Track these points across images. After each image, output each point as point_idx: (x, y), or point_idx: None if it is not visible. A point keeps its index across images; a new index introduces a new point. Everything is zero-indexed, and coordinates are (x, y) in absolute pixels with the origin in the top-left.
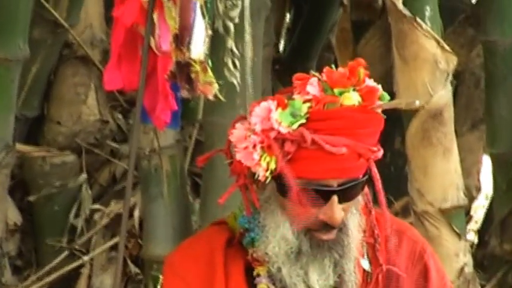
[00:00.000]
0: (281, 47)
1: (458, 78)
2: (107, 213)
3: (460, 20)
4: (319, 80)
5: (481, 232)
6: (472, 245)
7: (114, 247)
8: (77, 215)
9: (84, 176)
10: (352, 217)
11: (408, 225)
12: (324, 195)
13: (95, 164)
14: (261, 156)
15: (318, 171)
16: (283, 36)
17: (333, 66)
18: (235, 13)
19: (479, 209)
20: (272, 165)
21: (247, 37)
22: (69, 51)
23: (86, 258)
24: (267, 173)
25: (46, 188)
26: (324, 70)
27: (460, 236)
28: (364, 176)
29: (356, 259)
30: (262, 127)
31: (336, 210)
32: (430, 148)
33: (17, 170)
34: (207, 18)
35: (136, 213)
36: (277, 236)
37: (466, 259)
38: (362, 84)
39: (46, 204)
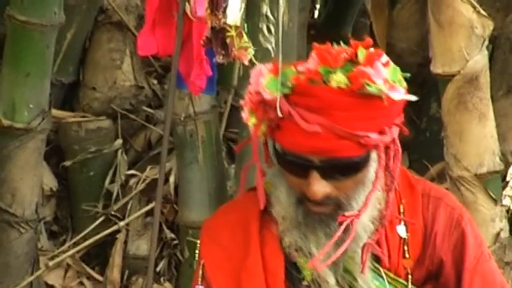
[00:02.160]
0: (316, 12)
1: (494, 43)
2: (142, 179)
3: None
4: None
5: None
6: (508, 210)
7: (150, 212)
8: (112, 181)
9: (119, 141)
10: (360, 197)
11: (446, 191)
12: (303, 169)
13: (130, 130)
14: (248, 115)
15: (297, 144)
16: (319, 1)
17: (370, 36)
18: None
19: None
20: (262, 127)
21: (282, 2)
22: (104, 17)
23: (121, 223)
24: (259, 133)
25: (81, 153)
26: (314, 46)
27: (496, 201)
28: (359, 157)
29: (383, 229)
30: (253, 89)
31: (316, 185)
32: (466, 113)
33: (52, 135)
34: None
35: (172, 179)
36: (281, 200)
37: (502, 224)
38: (356, 66)
39: (81, 170)
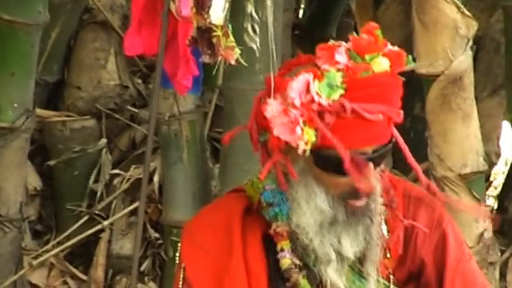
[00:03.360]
0: (301, 12)
1: (478, 44)
2: (126, 178)
3: None
4: (346, 48)
5: (500, 197)
6: (491, 211)
7: (134, 212)
8: (96, 180)
9: (104, 140)
10: (377, 182)
11: (426, 192)
12: (360, 163)
13: (114, 129)
14: (303, 130)
15: (356, 140)
16: (303, 1)
17: (353, 32)
18: None
19: (498, 175)
20: (312, 138)
21: (268, 2)
22: (89, 16)
23: (105, 223)
24: (307, 147)
25: (66, 152)
26: (350, 38)
27: (479, 201)
28: (390, 140)
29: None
30: (302, 100)
31: (371, 177)
32: (450, 113)
33: (37, 134)
34: None
35: (156, 178)
36: (312, 207)
37: (485, 225)
38: (386, 48)
39: (66, 169)
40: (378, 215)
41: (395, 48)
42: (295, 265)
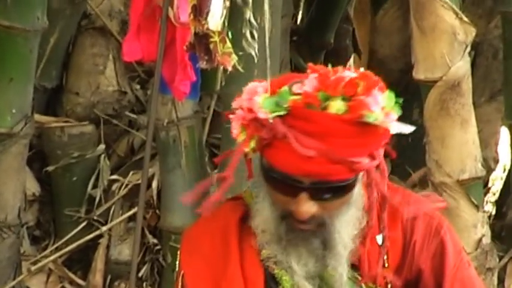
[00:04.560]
0: (299, 18)
1: (476, 49)
2: (125, 184)
3: None
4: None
5: (498, 203)
6: (489, 216)
7: (132, 217)
8: (95, 186)
9: (102, 146)
10: (343, 217)
11: (425, 200)
12: (292, 189)
13: (113, 135)
14: (239, 131)
15: (289, 165)
16: (302, 7)
17: (352, 42)
18: None
19: (497, 180)
20: (252, 144)
21: (266, 8)
22: (88, 22)
23: (104, 228)
24: (249, 149)
25: (64, 158)
26: (329, 71)
27: (477, 207)
28: (348, 180)
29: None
30: (247, 105)
31: (303, 205)
32: (448, 119)
33: (35, 140)
34: None
35: (155, 184)
36: (264, 215)
37: (483, 230)
38: (356, 96)
39: (64, 175)
40: (338, 248)
41: (366, 99)
42: (277, 261)
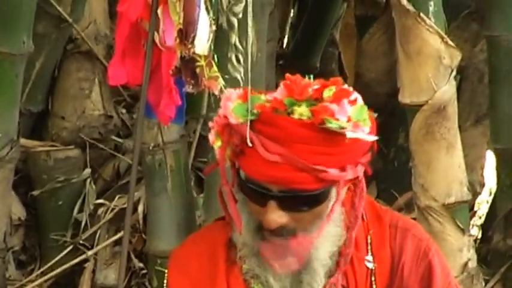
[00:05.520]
0: (285, 42)
1: (462, 73)
2: (111, 208)
3: (463, 15)
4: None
5: (484, 227)
6: (475, 240)
7: (118, 242)
8: (81, 210)
9: (88, 170)
10: (315, 229)
11: (413, 222)
12: (262, 197)
13: (99, 159)
14: (214, 138)
15: (257, 172)
16: (287, 31)
17: (339, 65)
18: (239, 8)
19: (483, 204)
20: (227, 151)
21: (251, 33)
22: (74, 46)
23: (90, 252)
24: (225, 157)
25: (50, 182)
26: (289, 77)
27: (463, 231)
28: (316, 191)
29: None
30: (221, 112)
31: (272, 214)
32: (434, 143)
33: (21, 164)
34: (211, 13)
35: (141, 208)
36: (243, 228)
37: (469, 254)
38: (322, 102)
39: (50, 199)
40: (314, 262)
41: (331, 105)
42: (255, 275)
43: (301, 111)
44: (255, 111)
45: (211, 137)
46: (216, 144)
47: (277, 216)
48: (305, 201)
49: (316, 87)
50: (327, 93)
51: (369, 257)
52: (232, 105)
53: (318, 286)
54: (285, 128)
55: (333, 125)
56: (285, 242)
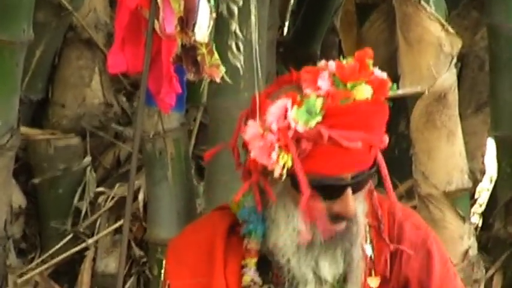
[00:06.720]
0: (285, 29)
1: (462, 61)
2: (111, 196)
3: (464, 2)
4: (329, 73)
5: (485, 215)
6: (476, 228)
7: (119, 230)
8: (81, 198)
9: (88, 159)
10: (360, 205)
11: (412, 211)
12: (339, 189)
13: (99, 147)
14: (278, 155)
15: (333, 166)
16: (288, 18)
17: (339, 53)
18: None
19: (483, 192)
20: (288, 163)
21: (252, 20)
22: (74, 34)
23: (90, 241)
24: (283, 171)
25: (50, 171)
26: (334, 63)
27: (464, 219)
28: (373, 165)
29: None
30: (279, 126)
31: (351, 202)
32: (435, 131)
33: (21, 153)
34: (211, 0)
35: (141, 196)
36: (290, 229)
37: (470, 242)
38: (372, 76)
39: (50, 187)
40: (359, 237)
41: (381, 75)
42: (255, 283)
43: (365, 92)
44: (318, 111)
45: (271, 158)
46: (283, 160)
47: (353, 202)
48: (367, 180)
49: (356, 65)
50: (371, 65)
51: (368, 245)
52: (294, 114)
53: (359, 267)
54: (361, 112)
55: (395, 90)
56: (344, 227)
